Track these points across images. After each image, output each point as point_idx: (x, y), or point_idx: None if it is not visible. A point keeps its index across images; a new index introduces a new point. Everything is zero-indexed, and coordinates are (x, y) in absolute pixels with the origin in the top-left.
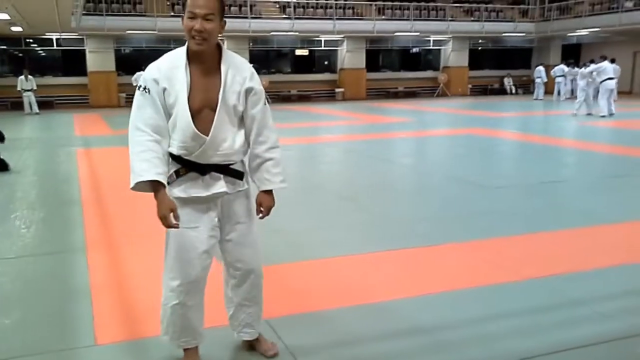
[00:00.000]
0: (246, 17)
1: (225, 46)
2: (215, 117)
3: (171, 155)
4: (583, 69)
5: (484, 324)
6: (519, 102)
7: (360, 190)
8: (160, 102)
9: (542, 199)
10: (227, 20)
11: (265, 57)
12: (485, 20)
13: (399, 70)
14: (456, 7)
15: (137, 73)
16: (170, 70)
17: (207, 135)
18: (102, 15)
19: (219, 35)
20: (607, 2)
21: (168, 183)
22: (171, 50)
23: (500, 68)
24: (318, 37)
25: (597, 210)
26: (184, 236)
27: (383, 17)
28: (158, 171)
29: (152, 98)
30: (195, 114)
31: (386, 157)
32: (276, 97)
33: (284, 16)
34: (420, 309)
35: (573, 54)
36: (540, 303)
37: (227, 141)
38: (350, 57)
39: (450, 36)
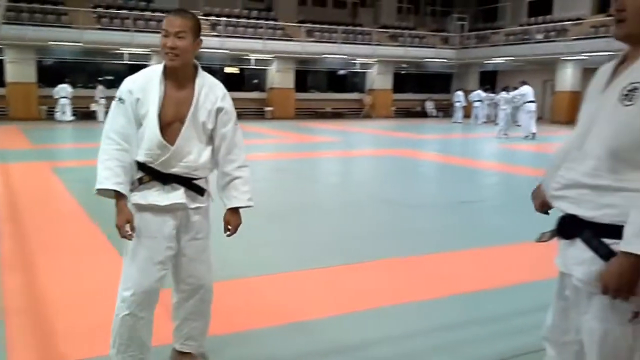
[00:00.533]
0: None
1: (153, 61)
2: (183, 129)
3: (138, 163)
4: (505, 94)
5: (407, 341)
6: (440, 125)
7: (288, 208)
8: (133, 111)
9: (461, 218)
10: (151, 34)
11: None
12: (409, 46)
13: (326, 91)
14: (381, 32)
15: (59, 86)
16: (145, 83)
17: (173, 145)
18: (23, 24)
19: (195, 51)
20: (520, 33)
21: (131, 190)
22: (96, 63)
23: (422, 92)
24: (248, 55)
25: (511, 229)
26: (142, 245)
27: (312, 39)
28: (118, 180)
29: (125, 108)
30: (165, 126)
31: (314, 176)
32: None
33: (214, 34)
34: (346, 326)
35: (489, 80)
36: (459, 319)
37: (192, 154)
38: (279, 77)
39: (375, 60)
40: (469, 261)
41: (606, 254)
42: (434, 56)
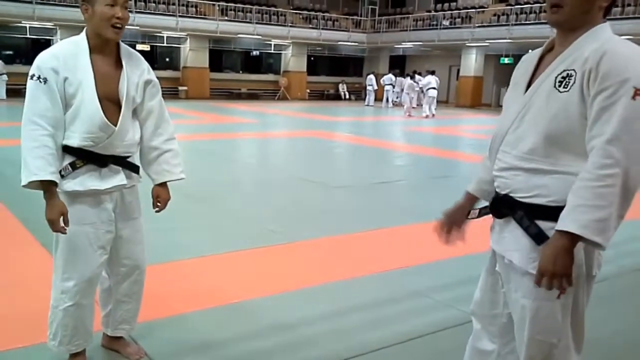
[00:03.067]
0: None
1: (58, 36)
2: (123, 107)
3: (66, 147)
4: (410, 80)
5: (339, 318)
6: (353, 108)
7: (210, 190)
8: (59, 92)
9: (378, 198)
10: (56, 7)
11: None
12: (322, 28)
13: (241, 71)
14: (296, 13)
15: None
16: (71, 59)
17: (115, 125)
18: None
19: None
20: (428, 19)
21: (62, 176)
22: None
23: (336, 75)
24: (160, 33)
25: (427, 208)
26: (80, 233)
27: (226, 17)
28: (52, 170)
29: (48, 88)
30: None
31: (234, 157)
32: None
33: None
34: (277, 307)
35: (399, 65)
36: (387, 295)
37: (130, 132)
38: (193, 56)
39: (290, 41)
40: (390, 239)
41: (536, 233)
42: (346, 39)
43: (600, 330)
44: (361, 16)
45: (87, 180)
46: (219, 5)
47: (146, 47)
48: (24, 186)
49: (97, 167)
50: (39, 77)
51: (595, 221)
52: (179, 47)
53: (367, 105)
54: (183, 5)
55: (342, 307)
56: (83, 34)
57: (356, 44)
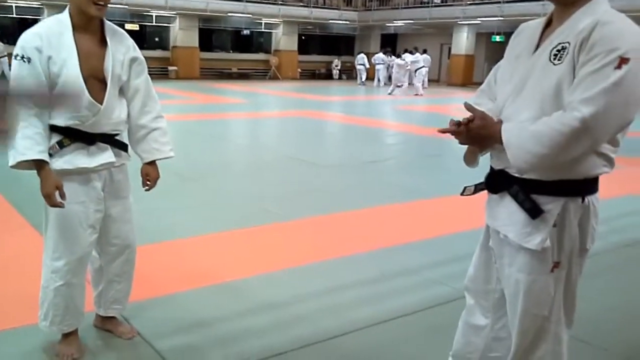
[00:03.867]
0: None
1: (45, 15)
2: (109, 85)
3: (53, 127)
4: (399, 59)
5: (332, 296)
6: (345, 87)
7: (202, 170)
8: (44, 71)
9: (370, 177)
10: None
11: None
12: (313, 7)
13: (232, 51)
14: None
15: None
16: (54, 38)
17: (100, 104)
18: None
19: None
20: None
21: (50, 155)
22: None
23: (327, 54)
24: (149, 12)
25: (418, 187)
26: (70, 212)
27: None
28: (41, 149)
29: (32, 67)
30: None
31: (225, 137)
32: None
33: None
34: (271, 285)
35: (390, 43)
36: (378, 273)
37: (116, 110)
38: (183, 35)
39: (281, 20)
40: (381, 217)
41: (531, 208)
42: (338, 18)
43: (590, 306)
44: None
45: (75, 159)
46: None
47: (135, 27)
48: (11, 166)
49: (85, 145)
50: (22, 57)
51: (527, 152)
52: (169, 27)
53: (359, 84)
54: None
55: (334, 284)
56: (66, 12)
57: (347, 22)
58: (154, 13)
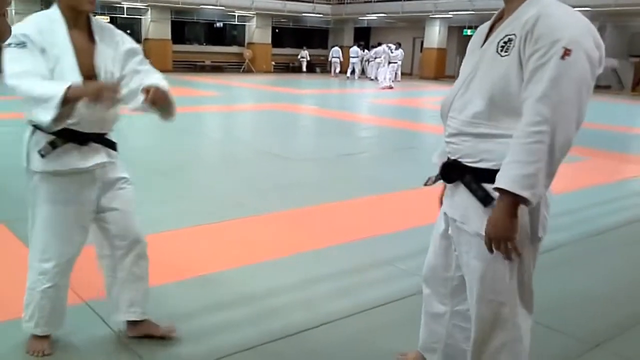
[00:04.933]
0: None
1: (56, 9)
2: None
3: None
4: (371, 52)
5: (305, 289)
6: (318, 80)
7: (175, 164)
8: (41, 56)
9: (344, 170)
10: None
11: None
12: (286, 0)
13: (205, 43)
14: None
15: None
16: (47, 33)
17: None
18: None
19: None
20: None
21: (42, 156)
22: None
23: (301, 47)
24: (120, 3)
25: (391, 179)
26: (62, 213)
27: None
28: (60, 82)
29: (30, 51)
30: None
31: (198, 131)
32: None
33: None
34: (244, 279)
35: (364, 37)
36: (353, 265)
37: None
38: (155, 27)
39: (254, 12)
40: (355, 210)
41: (483, 196)
42: (311, 11)
43: (555, 294)
44: None
45: (68, 160)
46: None
47: (106, 19)
48: (53, 120)
49: (78, 145)
50: (17, 44)
51: (524, 176)
52: (140, 19)
53: (333, 77)
54: None
55: (309, 277)
56: (55, 9)
57: (321, 15)
58: (125, 5)
